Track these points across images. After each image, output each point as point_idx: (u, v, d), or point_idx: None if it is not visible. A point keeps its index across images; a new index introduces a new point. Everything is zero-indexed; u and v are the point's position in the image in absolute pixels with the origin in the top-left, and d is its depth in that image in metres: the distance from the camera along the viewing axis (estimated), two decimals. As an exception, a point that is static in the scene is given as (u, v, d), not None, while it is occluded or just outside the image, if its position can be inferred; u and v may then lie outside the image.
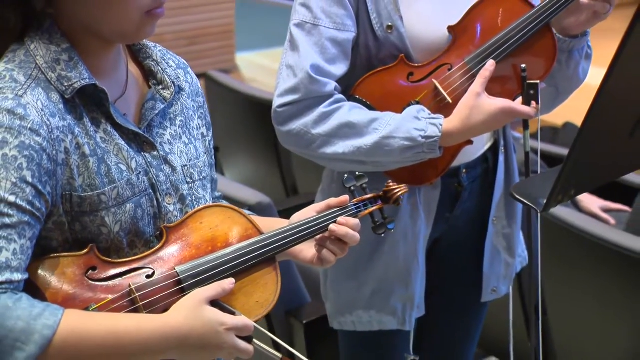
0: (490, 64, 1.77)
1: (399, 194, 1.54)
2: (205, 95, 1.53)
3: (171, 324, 1.22)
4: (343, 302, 1.97)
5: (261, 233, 1.41)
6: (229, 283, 1.30)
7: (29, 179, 1.19)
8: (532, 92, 1.76)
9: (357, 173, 1.52)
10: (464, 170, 1.93)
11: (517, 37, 1.81)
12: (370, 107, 1.79)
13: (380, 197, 1.54)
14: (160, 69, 1.41)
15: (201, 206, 1.39)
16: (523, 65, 1.77)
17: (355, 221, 1.44)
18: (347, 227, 1.42)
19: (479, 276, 2.02)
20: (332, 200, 1.48)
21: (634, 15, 1.21)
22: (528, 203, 1.54)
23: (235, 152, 3.94)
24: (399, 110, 1.77)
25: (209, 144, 1.50)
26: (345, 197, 1.48)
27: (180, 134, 1.41)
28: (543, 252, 2.53)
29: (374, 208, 1.52)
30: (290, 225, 1.43)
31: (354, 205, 1.49)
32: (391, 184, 1.55)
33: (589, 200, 3.01)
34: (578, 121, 3.97)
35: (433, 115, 1.75)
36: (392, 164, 1.79)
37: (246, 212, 1.46)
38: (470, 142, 1.83)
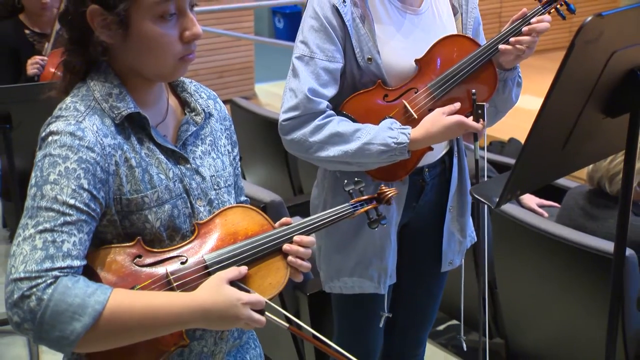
0: (456, 106, 1.81)
1: (390, 195, 1.51)
2: (231, 117, 1.51)
3: (198, 299, 1.20)
4: (332, 270, 1.98)
5: (274, 228, 1.38)
6: (244, 268, 1.29)
7: (86, 186, 1.18)
8: (480, 111, 1.80)
9: (355, 178, 1.50)
10: (427, 170, 1.95)
11: (467, 68, 1.84)
12: (354, 120, 1.81)
13: (374, 198, 1.50)
14: (193, 99, 1.40)
15: (226, 206, 1.37)
16: (474, 90, 1.81)
17: (309, 239, 1.37)
18: (300, 245, 1.35)
19: (438, 252, 2.04)
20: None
21: (564, 56, 1.21)
22: (484, 201, 1.53)
23: (254, 160, 3.93)
24: (377, 123, 1.80)
25: (234, 159, 1.47)
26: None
27: (209, 150, 1.39)
28: (494, 239, 2.54)
29: (369, 207, 1.48)
30: (299, 222, 1.41)
31: (352, 205, 1.46)
32: (384, 188, 1.51)
33: (528, 198, 3.01)
34: (520, 137, 3.99)
35: (403, 127, 1.78)
36: (372, 165, 1.81)
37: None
38: (431, 149, 1.86)
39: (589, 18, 1.17)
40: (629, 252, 2.10)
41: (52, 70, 3.25)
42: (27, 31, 3.39)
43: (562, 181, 3.03)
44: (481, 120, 1.79)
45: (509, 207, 2.41)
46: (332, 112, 1.79)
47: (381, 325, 2.03)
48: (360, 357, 2.00)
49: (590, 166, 2.41)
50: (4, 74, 3.35)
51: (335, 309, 2.10)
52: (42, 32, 3.41)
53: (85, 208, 1.17)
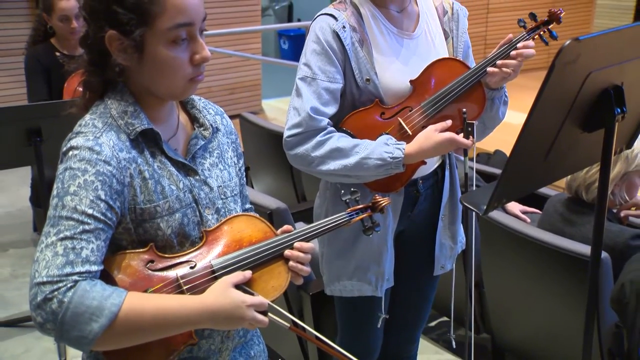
0: (448, 123, 1.77)
1: (383, 204, 1.48)
2: (240, 130, 1.49)
3: (205, 302, 1.19)
4: (333, 275, 1.95)
5: (277, 235, 1.36)
6: (248, 273, 1.28)
7: (103, 197, 1.17)
8: (469, 129, 1.78)
9: (351, 189, 1.47)
10: (421, 181, 1.93)
11: (458, 89, 1.81)
12: (353, 136, 1.78)
13: (369, 207, 1.48)
14: (202, 115, 1.38)
15: (232, 215, 1.35)
16: (464, 110, 1.79)
17: (309, 245, 1.35)
18: (300, 251, 1.33)
19: (431, 257, 2.01)
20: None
21: (545, 76, 1.20)
22: (473, 208, 1.52)
23: (261, 170, 3.90)
24: (374, 138, 1.77)
25: (240, 170, 1.46)
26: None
27: (217, 162, 1.37)
28: (481, 243, 2.51)
29: (364, 215, 1.46)
30: (297, 230, 1.39)
31: (348, 214, 1.44)
32: (378, 197, 1.49)
33: (512, 205, 2.97)
34: (505, 149, 3.97)
35: (398, 142, 1.75)
36: (370, 177, 1.78)
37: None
38: (424, 162, 1.82)
39: (568, 42, 1.16)
40: (603, 254, 2.08)
41: (76, 87, 3.26)
42: (57, 53, 3.42)
43: (544, 190, 3.01)
44: (471, 137, 1.77)
45: (495, 214, 2.39)
46: (332, 128, 1.77)
47: (379, 325, 2.01)
48: (361, 354, 1.97)
49: (569, 176, 2.39)
50: (39, 91, 3.39)
51: (337, 311, 2.07)
52: (71, 54, 3.44)
53: (102, 217, 1.16)
